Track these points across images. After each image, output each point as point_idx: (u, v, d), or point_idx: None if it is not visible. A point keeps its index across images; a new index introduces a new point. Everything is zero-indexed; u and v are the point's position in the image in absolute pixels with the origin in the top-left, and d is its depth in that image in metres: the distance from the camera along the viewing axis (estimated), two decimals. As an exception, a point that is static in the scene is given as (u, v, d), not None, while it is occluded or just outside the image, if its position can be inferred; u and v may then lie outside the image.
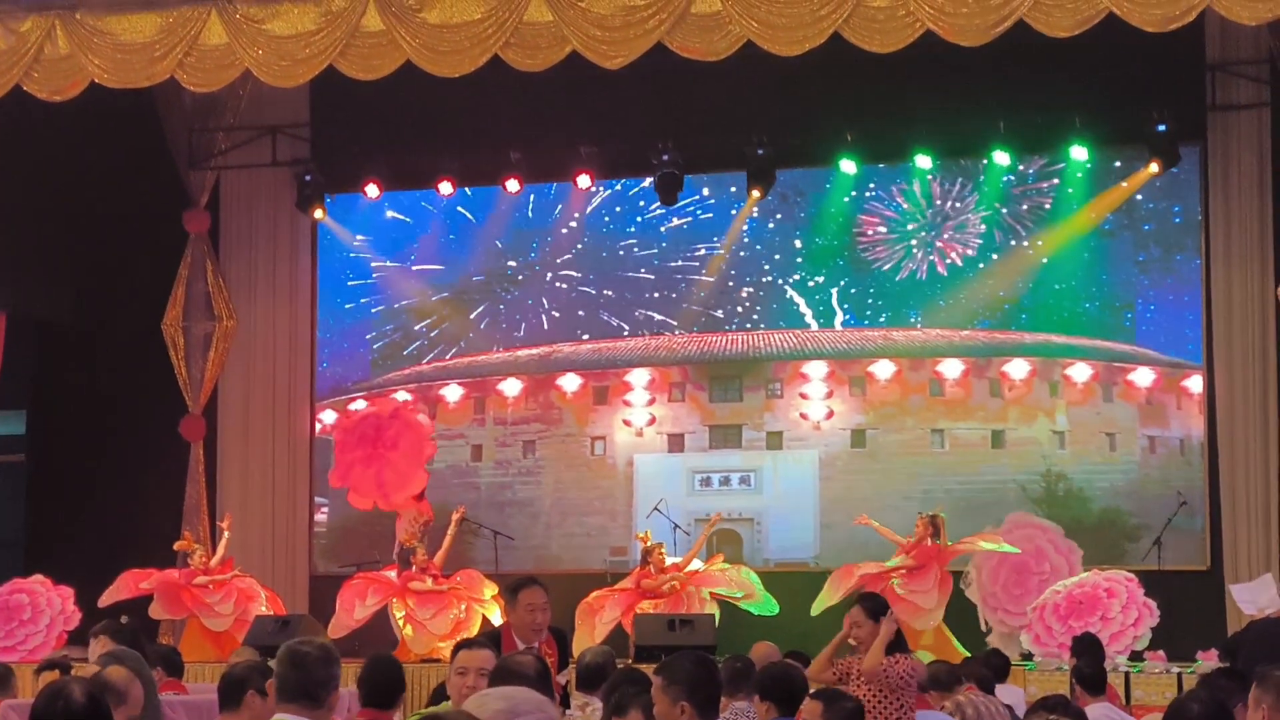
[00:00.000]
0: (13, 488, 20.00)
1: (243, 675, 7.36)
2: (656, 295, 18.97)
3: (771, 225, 18.77)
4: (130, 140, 18.55)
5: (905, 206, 18.36)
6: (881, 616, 9.49)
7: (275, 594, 17.62)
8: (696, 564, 16.74)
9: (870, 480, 18.20)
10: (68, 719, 5.01)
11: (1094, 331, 17.87)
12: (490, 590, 16.72)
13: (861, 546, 18.01)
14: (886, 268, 18.41)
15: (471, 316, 19.45)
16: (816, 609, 15.83)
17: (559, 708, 8.67)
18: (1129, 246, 17.94)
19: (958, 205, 18.27)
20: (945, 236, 18.28)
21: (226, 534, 17.54)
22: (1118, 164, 17.79)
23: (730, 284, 18.80)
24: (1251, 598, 14.45)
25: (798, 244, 18.68)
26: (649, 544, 16.68)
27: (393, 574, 17.02)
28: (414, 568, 16.78)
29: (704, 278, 18.84)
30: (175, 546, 17.70)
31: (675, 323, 18.94)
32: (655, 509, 17.58)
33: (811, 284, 18.59)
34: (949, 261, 18.26)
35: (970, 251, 18.20)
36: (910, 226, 18.35)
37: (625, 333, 19.04)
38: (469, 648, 7.21)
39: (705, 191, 18.84)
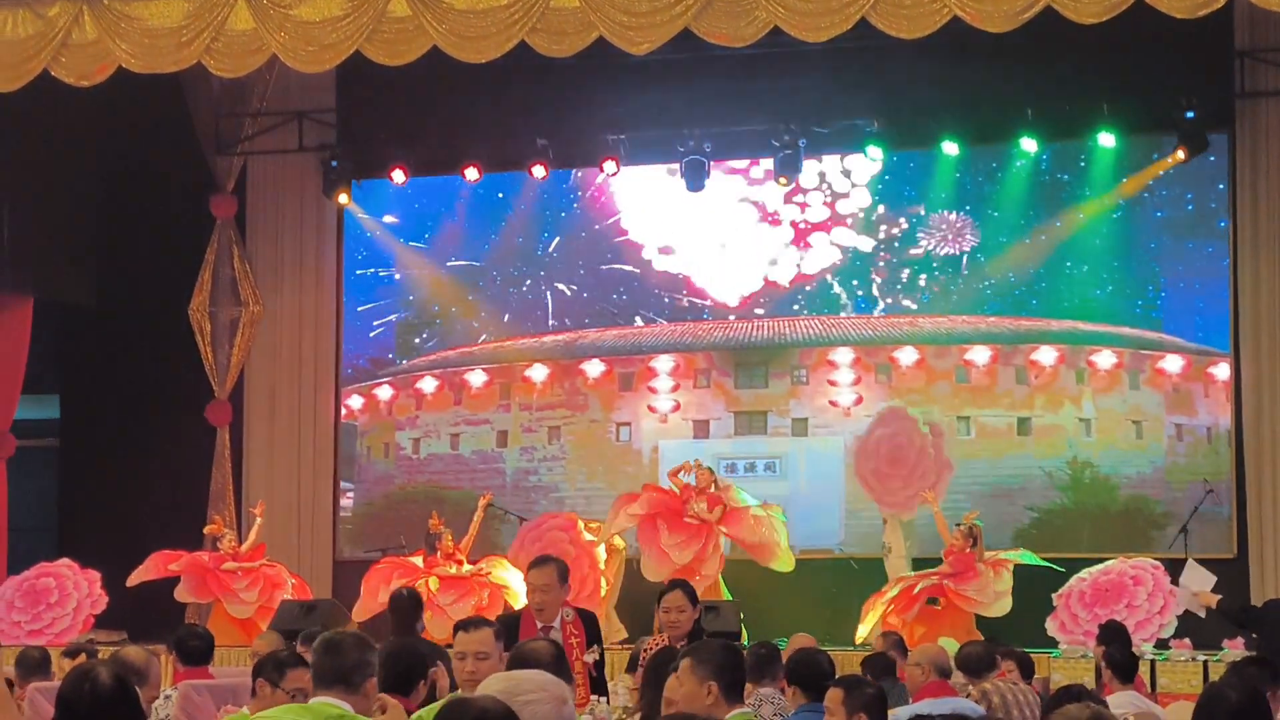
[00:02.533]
0: (46, 472, 20.08)
1: (261, 661, 7.38)
2: (682, 281, 18.96)
3: (796, 211, 18.72)
4: (157, 125, 18.60)
5: (931, 193, 18.32)
6: (699, 603, 9.43)
7: (303, 581, 17.66)
8: (749, 500, 16.77)
9: (896, 467, 18.16)
10: (95, 701, 5.04)
11: (1121, 318, 17.82)
12: (517, 575, 16.77)
13: (886, 533, 18.04)
14: (912, 254, 18.39)
15: (497, 302, 19.47)
16: (860, 638, 15.75)
17: (584, 690, 8.68)
18: (1156, 233, 17.89)
19: (985, 192, 18.23)
20: (972, 223, 18.24)
21: (259, 520, 17.55)
22: (1146, 151, 17.73)
23: (756, 269, 18.76)
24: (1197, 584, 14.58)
25: (823, 230, 18.63)
26: (701, 468, 16.77)
27: (419, 560, 17.05)
28: (439, 553, 16.81)
29: (730, 263, 18.82)
30: (205, 530, 17.76)
31: (701, 309, 18.93)
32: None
33: (837, 271, 18.58)
34: (975, 248, 18.22)
35: (996, 238, 18.16)
36: (936, 213, 18.32)
37: (651, 319, 19.05)
38: (465, 629, 7.09)
39: (731, 178, 18.81)
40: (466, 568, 16.84)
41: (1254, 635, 13.91)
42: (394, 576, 16.89)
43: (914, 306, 18.41)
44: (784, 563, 16.59)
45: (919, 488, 16.79)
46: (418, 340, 19.76)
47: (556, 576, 9.21)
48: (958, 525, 15.98)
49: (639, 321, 19.09)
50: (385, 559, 17.46)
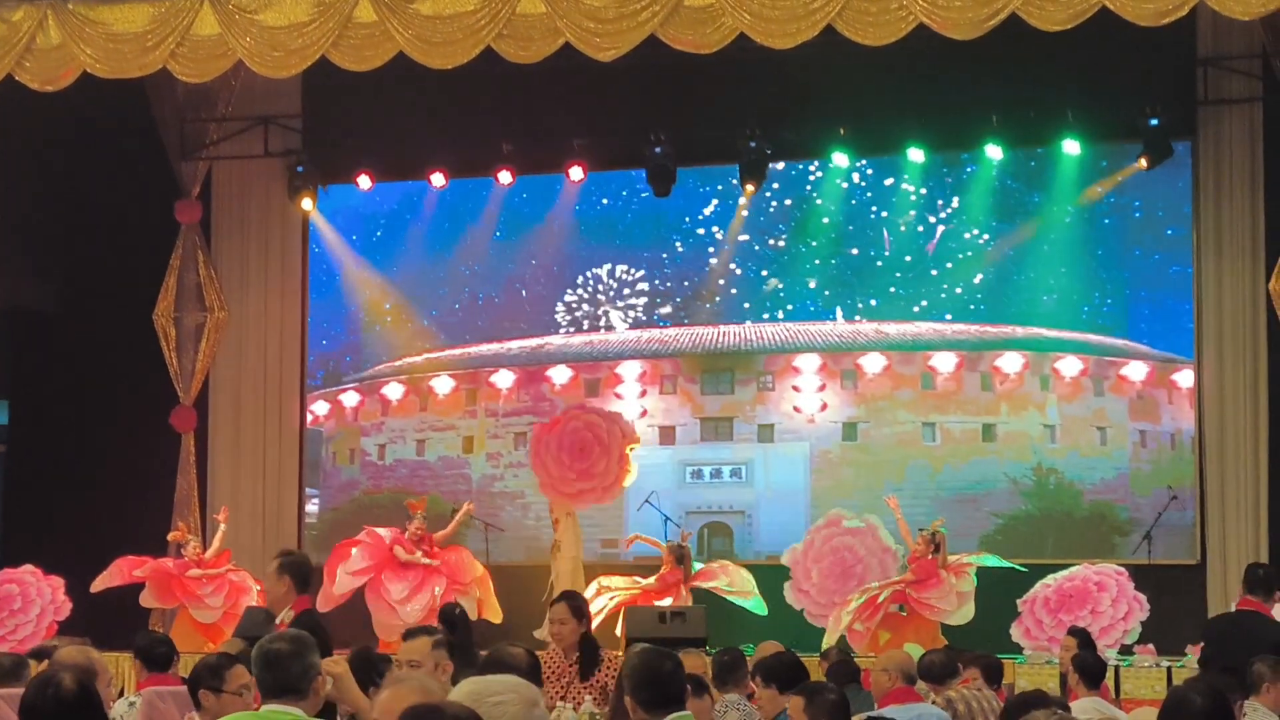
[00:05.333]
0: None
1: (195, 674, 7.34)
2: (648, 288, 18.97)
3: (763, 218, 18.76)
4: (122, 130, 18.55)
5: (897, 200, 18.37)
6: (585, 616, 9.33)
7: (268, 587, 17.58)
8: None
9: (861, 473, 18.19)
10: (58, 706, 5.02)
11: (1085, 325, 17.89)
12: (478, 572, 16.84)
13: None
14: (878, 261, 18.42)
15: (463, 308, 19.45)
16: (825, 647, 15.77)
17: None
18: (1120, 240, 17.94)
19: (950, 198, 18.28)
20: (937, 230, 18.29)
21: (223, 527, 17.50)
22: (1110, 158, 17.79)
23: (722, 277, 18.80)
24: None
25: (789, 237, 18.67)
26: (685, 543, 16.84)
27: (386, 532, 16.98)
28: (408, 533, 16.78)
29: (696, 270, 18.85)
30: (169, 537, 17.72)
31: (667, 315, 18.95)
32: (646, 501, 17.58)
33: (803, 277, 18.60)
34: (940, 255, 18.26)
35: (962, 245, 18.21)
36: (902, 220, 18.36)
37: (617, 325, 19.04)
38: (407, 638, 7.09)
39: (698, 184, 18.83)
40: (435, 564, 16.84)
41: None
42: (352, 553, 16.86)
43: (880, 313, 18.42)
44: (757, 604, 16.59)
45: (600, 483, 17.06)
46: (383, 346, 19.71)
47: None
48: (921, 531, 16.02)
49: (605, 327, 19.09)
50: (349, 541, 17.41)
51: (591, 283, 19.13)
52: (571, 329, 19.14)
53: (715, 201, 18.88)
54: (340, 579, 16.78)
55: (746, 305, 18.77)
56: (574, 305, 19.16)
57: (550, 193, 19.11)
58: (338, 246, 19.69)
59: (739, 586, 16.56)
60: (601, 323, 19.09)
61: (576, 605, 9.30)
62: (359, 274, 19.67)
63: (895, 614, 15.86)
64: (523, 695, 4.72)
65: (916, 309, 18.30)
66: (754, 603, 16.51)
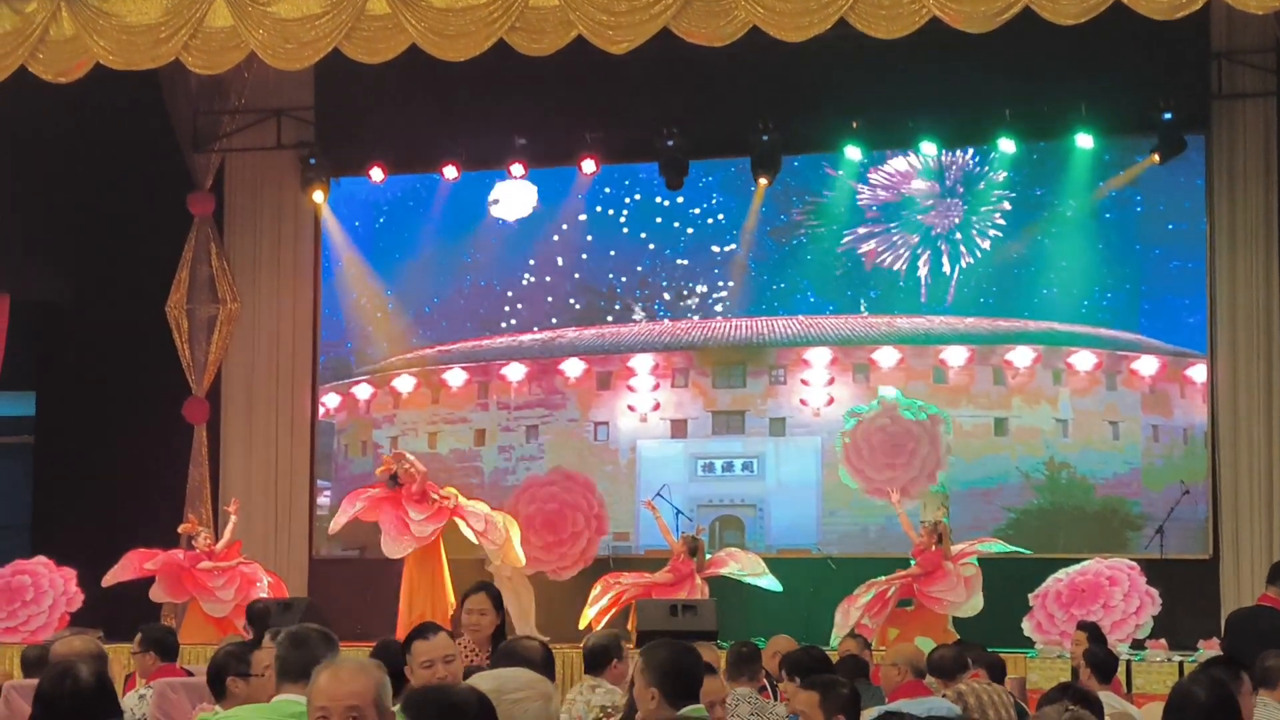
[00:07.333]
0: (22, 469, 20.03)
1: (220, 663, 7.34)
2: (660, 281, 18.97)
3: (775, 211, 18.74)
4: (135, 123, 18.55)
5: (910, 193, 18.34)
6: (502, 608, 9.17)
7: (280, 579, 17.61)
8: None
9: (873, 467, 18.17)
10: (76, 698, 5.02)
11: (1098, 319, 17.86)
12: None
13: (862, 534, 18.06)
14: (890, 255, 18.40)
15: (475, 300, 19.45)
16: (834, 642, 15.77)
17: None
18: (1133, 234, 17.92)
19: (963, 192, 18.26)
20: (950, 223, 18.26)
21: (234, 518, 17.52)
22: (1123, 152, 17.77)
23: (734, 270, 18.79)
24: None
25: (801, 230, 18.66)
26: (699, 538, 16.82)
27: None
28: (400, 484, 16.84)
29: (709, 263, 18.84)
30: (180, 529, 17.69)
31: (679, 308, 18.93)
32: (658, 494, 17.58)
33: (815, 270, 18.58)
34: (953, 248, 18.24)
35: (975, 238, 18.19)
36: (915, 213, 18.34)
37: (629, 318, 19.04)
38: (423, 638, 7.01)
39: (710, 177, 18.82)
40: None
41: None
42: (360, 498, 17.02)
43: (890, 306, 18.41)
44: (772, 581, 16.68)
45: (559, 563, 17.58)
46: (395, 338, 19.71)
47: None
48: (923, 523, 16.03)
49: (617, 320, 19.07)
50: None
51: (603, 275, 19.12)
52: (583, 322, 19.13)
53: (727, 195, 18.86)
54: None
55: (758, 298, 18.75)
56: (585, 298, 19.15)
57: (563, 185, 19.11)
58: (349, 238, 19.68)
59: (750, 568, 16.56)
60: (613, 316, 19.08)
61: (496, 595, 9.22)
62: (370, 266, 19.68)
63: (902, 610, 15.86)
64: (539, 691, 4.73)
65: (928, 302, 18.27)
66: (768, 580, 16.52)
